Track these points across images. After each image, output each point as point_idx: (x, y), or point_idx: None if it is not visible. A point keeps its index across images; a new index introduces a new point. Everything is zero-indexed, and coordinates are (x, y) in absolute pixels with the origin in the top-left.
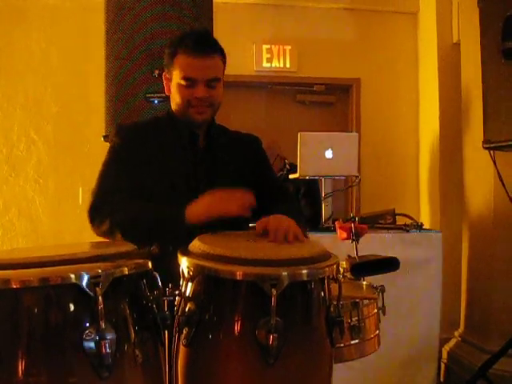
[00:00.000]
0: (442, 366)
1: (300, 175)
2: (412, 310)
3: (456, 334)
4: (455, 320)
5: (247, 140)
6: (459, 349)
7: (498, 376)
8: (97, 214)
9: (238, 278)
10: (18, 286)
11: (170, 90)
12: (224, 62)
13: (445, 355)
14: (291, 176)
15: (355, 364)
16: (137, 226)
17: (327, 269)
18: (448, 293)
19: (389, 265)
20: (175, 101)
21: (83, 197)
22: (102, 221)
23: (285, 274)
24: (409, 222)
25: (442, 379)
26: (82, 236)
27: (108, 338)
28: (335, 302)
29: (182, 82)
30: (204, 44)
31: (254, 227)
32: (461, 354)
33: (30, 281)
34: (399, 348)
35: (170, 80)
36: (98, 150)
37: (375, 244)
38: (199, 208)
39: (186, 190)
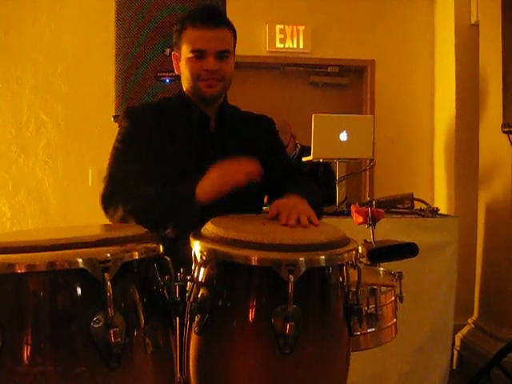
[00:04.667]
0: (455, 353)
1: (314, 158)
2: (426, 297)
3: (469, 320)
4: (469, 307)
5: (260, 121)
6: (473, 336)
7: None
8: (109, 202)
9: (253, 263)
10: (23, 271)
11: (179, 68)
12: (234, 37)
13: (458, 342)
14: (304, 158)
15: (367, 350)
16: (149, 213)
17: (346, 254)
18: (462, 279)
19: (407, 250)
20: (185, 76)
21: (93, 178)
22: (116, 209)
23: (302, 259)
24: (424, 207)
25: (454, 367)
26: (91, 217)
27: (117, 325)
28: (353, 289)
29: (191, 55)
30: (212, 16)
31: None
32: (474, 342)
33: (35, 265)
34: (412, 334)
35: (179, 58)
36: (108, 131)
37: (390, 229)
38: (208, 184)
39: (197, 174)
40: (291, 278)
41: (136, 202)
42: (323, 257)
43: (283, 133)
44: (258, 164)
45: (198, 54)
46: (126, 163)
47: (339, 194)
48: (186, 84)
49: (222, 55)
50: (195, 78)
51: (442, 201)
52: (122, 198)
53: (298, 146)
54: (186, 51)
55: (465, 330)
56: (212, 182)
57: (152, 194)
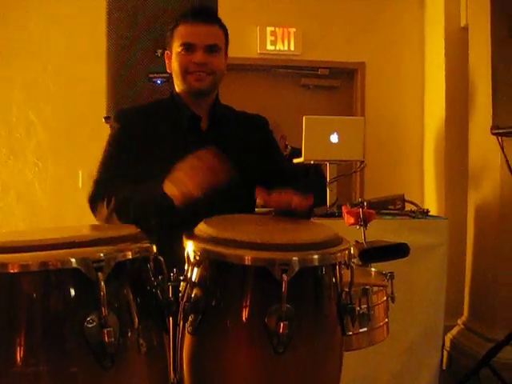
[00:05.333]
0: (445, 353)
1: (305, 160)
2: (416, 298)
3: (459, 321)
4: (458, 307)
5: (253, 120)
6: (462, 336)
7: (502, 365)
8: (96, 203)
9: (247, 262)
10: (16, 271)
11: (171, 66)
12: (226, 36)
13: (447, 343)
14: (295, 160)
15: (359, 350)
16: (128, 208)
17: (339, 254)
18: (451, 280)
19: (398, 251)
20: (174, 72)
21: (83, 180)
22: (101, 209)
23: (295, 259)
24: (414, 208)
25: (444, 367)
26: (81, 219)
27: (111, 325)
28: (346, 289)
29: (180, 49)
30: (203, 13)
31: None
32: (464, 342)
33: (28, 265)
34: (403, 335)
35: (171, 57)
36: (99, 133)
37: (381, 230)
38: (174, 189)
39: None
40: (285, 277)
41: (117, 199)
42: (316, 256)
43: (273, 133)
44: (224, 168)
45: (187, 47)
46: (116, 165)
47: (330, 195)
48: (176, 80)
49: (212, 49)
50: (184, 71)
51: (431, 202)
52: (106, 200)
53: (289, 147)
54: (176, 46)
55: (454, 331)
56: (167, 189)
57: (132, 190)
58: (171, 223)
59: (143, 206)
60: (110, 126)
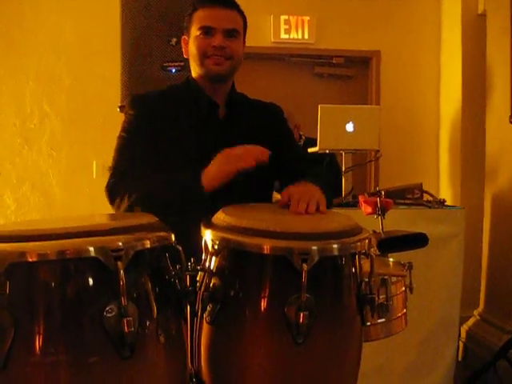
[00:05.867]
0: (461, 344)
1: (320, 149)
2: (432, 288)
3: (475, 312)
4: (474, 298)
5: (269, 108)
6: (478, 328)
7: None
8: (115, 193)
9: (266, 251)
10: (34, 259)
11: (188, 52)
12: (244, 22)
13: (463, 334)
14: (310, 149)
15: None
16: (154, 202)
17: (359, 243)
18: (468, 270)
19: (417, 241)
20: (192, 56)
21: (97, 170)
22: (121, 200)
23: (315, 248)
24: (430, 198)
25: (459, 358)
26: (95, 209)
27: (130, 315)
28: (366, 279)
29: (199, 33)
30: None
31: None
32: (480, 333)
33: (46, 254)
34: (418, 326)
35: (188, 42)
36: (113, 123)
37: (397, 220)
38: (215, 169)
39: (206, 163)
40: (304, 266)
41: (141, 192)
42: (336, 245)
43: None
44: (265, 149)
45: (206, 31)
46: (131, 152)
47: (345, 185)
48: (193, 65)
49: (231, 34)
50: (202, 54)
51: (447, 192)
52: (127, 188)
53: (303, 137)
54: (194, 30)
55: (470, 322)
56: (219, 167)
57: (157, 182)
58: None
59: (173, 196)
60: (125, 113)
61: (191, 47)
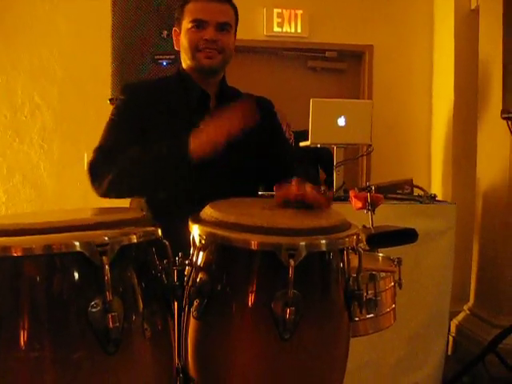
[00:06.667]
0: (450, 339)
1: (311, 143)
2: (423, 283)
3: (465, 307)
4: (464, 293)
5: (260, 102)
6: (468, 322)
7: (508, 351)
8: (97, 171)
9: (253, 247)
10: (19, 254)
11: (179, 43)
12: (236, 16)
13: (453, 328)
14: (302, 143)
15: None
16: (140, 170)
17: (347, 239)
18: (458, 265)
19: (406, 236)
20: (183, 48)
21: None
22: (103, 177)
23: (303, 243)
24: (421, 193)
25: (449, 353)
26: (87, 201)
27: (115, 310)
28: (354, 275)
29: (191, 25)
30: None
31: (263, 195)
32: (469, 328)
33: (32, 248)
34: (409, 320)
35: (179, 34)
36: (104, 115)
37: (388, 215)
38: (203, 135)
39: None
40: (292, 262)
41: (125, 164)
42: (324, 241)
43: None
44: (253, 108)
45: (198, 24)
46: (119, 136)
47: (337, 179)
48: (184, 57)
49: (223, 27)
50: (194, 48)
51: (439, 187)
52: (110, 164)
53: (292, 134)
54: (186, 23)
55: (460, 317)
56: (207, 133)
57: (140, 151)
58: (181, 188)
59: (158, 160)
60: (116, 99)
61: (183, 40)
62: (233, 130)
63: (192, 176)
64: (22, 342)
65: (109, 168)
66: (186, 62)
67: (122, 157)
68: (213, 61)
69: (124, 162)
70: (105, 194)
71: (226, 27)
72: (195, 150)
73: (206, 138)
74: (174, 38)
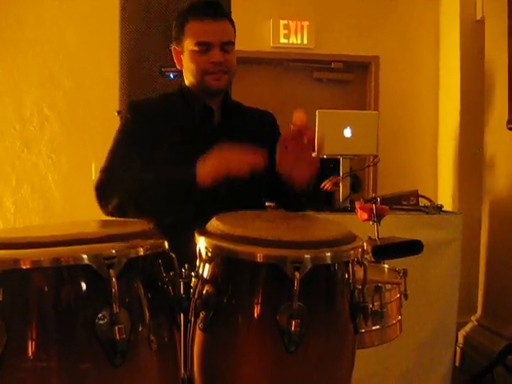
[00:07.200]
0: (458, 350)
1: (317, 154)
2: (430, 294)
3: (473, 318)
4: (472, 304)
5: (263, 115)
6: (476, 333)
7: None
8: (104, 191)
9: (259, 260)
10: (27, 267)
11: (181, 63)
12: (234, 30)
13: (461, 339)
14: None
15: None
16: (146, 194)
17: (352, 251)
18: (465, 276)
19: (412, 248)
20: (189, 71)
21: (96, 173)
22: (110, 197)
23: (308, 256)
24: (428, 203)
25: (457, 364)
26: (95, 213)
27: (122, 322)
28: (359, 287)
29: (196, 48)
30: (213, 8)
31: (269, 207)
32: (477, 339)
33: (40, 261)
34: (416, 332)
35: (180, 52)
36: (112, 126)
37: (394, 226)
38: (209, 166)
39: None
40: (297, 274)
41: (132, 188)
42: (329, 254)
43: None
44: (263, 155)
45: (204, 48)
46: (125, 154)
47: (343, 190)
48: (190, 78)
49: (227, 47)
50: (201, 71)
51: (445, 198)
52: (117, 185)
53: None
54: (189, 45)
55: (468, 328)
56: (213, 166)
57: (149, 177)
58: (186, 213)
59: (165, 186)
60: (121, 117)
61: (187, 61)
62: (238, 171)
63: (197, 197)
64: (30, 353)
65: (115, 190)
66: (189, 80)
67: (128, 180)
68: (220, 82)
69: (130, 186)
70: (111, 215)
71: (230, 46)
72: (201, 179)
73: (211, 171)
74: (174, 56)
